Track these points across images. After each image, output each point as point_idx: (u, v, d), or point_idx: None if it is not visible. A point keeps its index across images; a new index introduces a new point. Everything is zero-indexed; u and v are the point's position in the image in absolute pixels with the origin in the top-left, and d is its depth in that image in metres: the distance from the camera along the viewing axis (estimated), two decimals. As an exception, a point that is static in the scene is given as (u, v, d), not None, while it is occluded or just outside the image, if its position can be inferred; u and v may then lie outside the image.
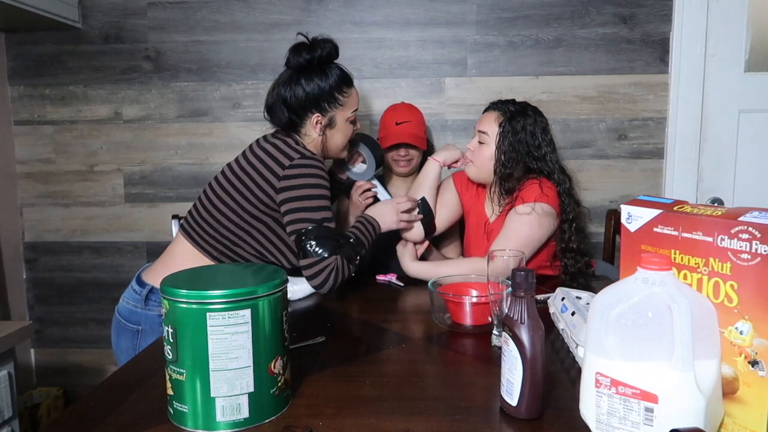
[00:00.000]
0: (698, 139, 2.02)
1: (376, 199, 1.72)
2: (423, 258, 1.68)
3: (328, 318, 1.33)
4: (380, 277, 1.63)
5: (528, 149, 1.54)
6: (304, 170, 1.40)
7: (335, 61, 1.51)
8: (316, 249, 1.35)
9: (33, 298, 2.26)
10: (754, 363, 0.70)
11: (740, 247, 0.70)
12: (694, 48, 1.98)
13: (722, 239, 0.71)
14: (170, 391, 0.82)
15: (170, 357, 0.80)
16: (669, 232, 0.78)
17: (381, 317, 1.31)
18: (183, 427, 0.81)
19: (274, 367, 0.83)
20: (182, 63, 2.12)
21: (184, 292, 0.78)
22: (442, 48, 2.07)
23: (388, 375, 1.00)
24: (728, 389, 0.73)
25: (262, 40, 2.10)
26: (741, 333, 0.71)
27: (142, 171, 2.18)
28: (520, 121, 1.54)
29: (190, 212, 1.52)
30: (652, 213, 0.80)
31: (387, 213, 1.54)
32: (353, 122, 1.56)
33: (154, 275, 1.45)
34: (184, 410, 0.80)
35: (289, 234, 1.40)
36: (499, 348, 0.91)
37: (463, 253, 1.83)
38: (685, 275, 0.77)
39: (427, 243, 1.70)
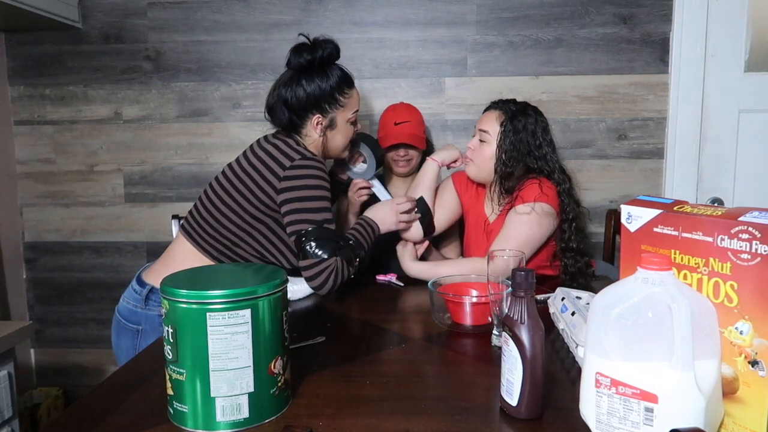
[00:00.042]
0: (698, 139, 2.02)
1: (373, 197, 1.72)
2: (423, 258, 1.68)
3: (328, 318, 1.33)
4: (380, 277, 1.63)
5: (529, 148, 1.54)
6: (305, 171, 1.40)
7: (336, 62, 1.51)
8: (316, 250, 1.35)
9: (33, 298, 2.26)
10: (754, 363, 0.70)
11: (740, 247, 0.70)
12: (694, 48, 1.98)
13: (722, 239, 0.71)
14: (170, 391, 0.82)
15: (170, 357, 0.80)
16: (669, 232, 0.78)
17: (381, 317, 1.31)
18: (183, 427, 0.81)
19: (274, 367, 0.83)
20: (182, 63, 2.12)
21: (184, 292, 0.78)
22: (442, 48, 2.07)
23: (388, 375, 1.00)
24: (728, 389, 0.73)
25: (262, 40, 2.10)
26: (741, 333, 0.71)
27: (142, 171, 2.18)
28: (521, 120, 1.54)
29: (190, 212, 1.52)
30: (652, 213, 0.80)
31: (386, 214, 1.54)
32: (354, 123, 1.56)
33: (155, 275, 1.45)
34: (184, 410, 0.80)
35: (289, 235, 1.40)
36: (499, 348, 0.91)
37: (463, 253, 1.83)
38: (685, 275, 0.77)
39: (427, 243, 1.70)
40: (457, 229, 1.84)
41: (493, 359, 1.05)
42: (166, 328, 0.80)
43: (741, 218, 0.70)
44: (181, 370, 0.79)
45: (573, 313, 1.08)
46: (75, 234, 2.23)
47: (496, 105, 1.62)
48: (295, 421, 0.82)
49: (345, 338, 1.19)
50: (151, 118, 2.16)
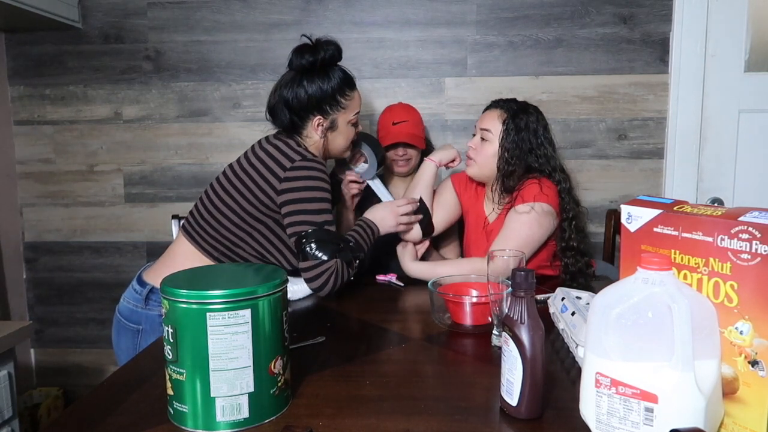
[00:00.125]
0: (698, 139, 2.02)
1: (370, 195, 1.72)
2: (423, 259, 1.68)
3: (328, 318, 1.33)
4: (380, 277, 1.63)
5: (531, 146, 1.54)
6: (305, 172, 1.40)
7: (338, 63, 1.50)
8: (316, 252, 1.36)
9: (33, 298, 2.26)
10: (754, 363, 0.70)
11: (740, 247, 0.70)
12: (694, 48, 1.98)
13: (722, 239, 0.71)
14: (170, 391, 0.82)
15: (170, 357, 0.80)
16: (669, 232, 0.78)
17: (381, 317, 1.31)
18: (183, 427, 0.81)
19: (274, 367, 0.83)
20: (182, 63, 2.12)
21: (184, 292, 0.78)
22: (442, 48, 2.07)
23: (388, 375, 1.00)
24: (728, 389, 0.73)
25: (262, 40, 2.10)
26: (741, 333, 0.71)
27: (142, 171, 2.19)
28: (523, 119, 1.54)
29: (191, 212, 1.52)
30: (652, 213, 0.80)
31: (386, 216, 1.54)
32: (355, 125, 1.56)
33: (155, 275, 1.45)
34: (184, 410, 0.80)
35: (289, 236, 1.40)
36: (499, 348, 0.91)
37: (463, 254, 1.83)
38: (685, 275, 0.77)
39: (427, 243, 1.70)
40: (457, 229, 1.84)
41: (493, 359, 1.05)
42: (166, 328, 0.80)
43: (741, 218, 0.70)
44: (181, 370, 0.79)
45: (573, 313, 1.08)
46: (75, 234, 2.23)
47: (497, 104, 1.62)
48: (295, 421, 0.82)
49: (345, 338, 1.19)
50: (151, 118, 2.16)
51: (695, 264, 0.75)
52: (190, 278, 0.87)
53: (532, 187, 1.51)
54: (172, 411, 0.82)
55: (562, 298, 1.17)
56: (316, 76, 1.46)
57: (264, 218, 1.44)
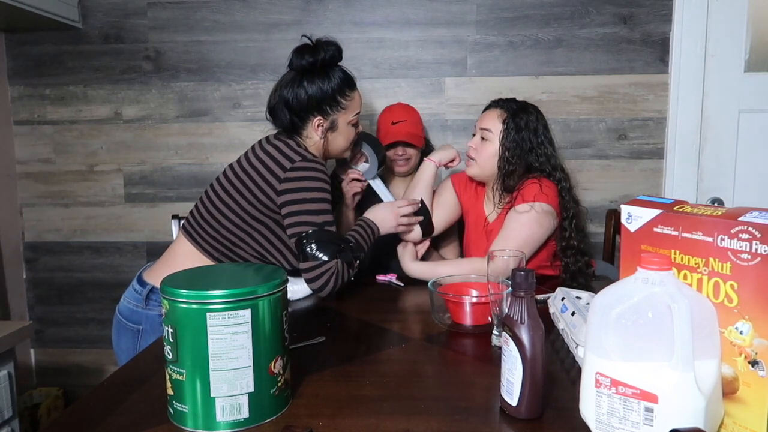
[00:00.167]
0: (698, 139, 2.02)
1: (370, 194, 1.72)
2: (422, 259, 1.68)
3: (328, 318, 1.33)
4: (380, 277, 1.63)
5: (531, 145, 1.54)
6: (306, 173, 1.40)
7: (338, 64, 1.50)
8: (317, 253, 1.36)
9: (33, 298, 2.26)
10: (754, 363, 0.70)
11: (740, 247, 0.70)
12: (694, 48, 1.98)
13: (722, 239, 0.71)
14: (170, 391, 0.82)
15: (170, 357, 0.80)
16: (669, 232, 0.78)
17: (381, 317, 1.31)
18: (183, 427, 0.81)
19: (274, 367, 0.83)
20: (182, 63, 2.12)
21: (184, 292, 0.78)
22: (442, 48, 2.07)
23: (388, 375, 1.00)
24: (728, 389, 0.73)
25: (262, 40, 2.10)
26: (741, 333, 0.71)
27: (142, 171, 2.19)
28: (523, 118, 1.55)
29: (191, 212, 1.52)
30: (652, 213, 0.80)
31: (387, 216, 1.55)
32: (355, 125, 1.56)
33: (156, 275, 1.45)
34: (184, 410, 0.80)
35: (290, 237, 1.41)
36: (499, 348, 0.91)
37: (463, 253, 1.83)
38: (685, 275, 0.77)
39: (428, 243, 1.70)
40: (456, 229, 1.84)
41: (493, 359, 1.05)
42: (166, 328, 0.80)
43: (741, 218, 0.70)
44: (181, 370, 0.79)
45: (573, 313, 1.08)
46: (75, 234, 2.23)
47: (497, 103, 1.62)
48: (295, 421, 0.82)
49: (345, 338, 1.19)
50: (151, 118, 2.16)
51: (695, 264, 0.75)
52: (190, 278, 0.87)
53: (532, 187, 1.51)
54: (172, 411, 0.82)
55: (562, 298, 1.17)
56: (316, 77, 1.45)
57: (264, 219, 1.44)
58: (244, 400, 0.80)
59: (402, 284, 1.58)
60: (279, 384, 0.84)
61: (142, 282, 1.46)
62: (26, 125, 2.19)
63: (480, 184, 1.70)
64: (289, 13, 2.08)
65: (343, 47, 1.50)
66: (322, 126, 1.49)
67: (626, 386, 0.71)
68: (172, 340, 0.79)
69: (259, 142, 1.51)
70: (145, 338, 1.41)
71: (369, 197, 1.75)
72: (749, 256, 0.69)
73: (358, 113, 1.55)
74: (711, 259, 0.73)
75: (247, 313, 0.79)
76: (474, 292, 1.27)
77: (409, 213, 1.59)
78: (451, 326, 1.22)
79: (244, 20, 2.09)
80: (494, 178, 1.59)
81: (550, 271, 1.60)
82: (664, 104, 2.04)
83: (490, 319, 1.15)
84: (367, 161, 1.72)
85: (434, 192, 1.72)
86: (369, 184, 1.74)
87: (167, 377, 0.82)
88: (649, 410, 0.69)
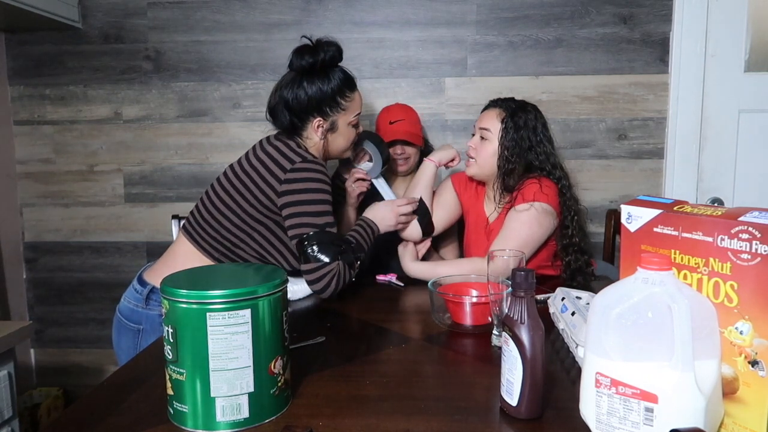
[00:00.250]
0: (698, 139, 2.02)
1: (373, 193, 1.72)
2: (422, 259, 1.68)
3: (328, 318, 1.33)
4: (380, 277, 1.63)
5: (530, 144, 1.55)
6: (306, 174, 1.40)
7: (339, 64, 1.50)
8: (318, 254, 1.36)
9: (33, 298, 2.26)
10: (754, 363, 0.70)
11: (740, 247, 0.70)
12: (694, 48, 1.98)
13: (722, 239, 0.71)
14: (170, 391, 0.82)
15: (170, 357, 0.80)
16: (669, 232, 0.78)
17: (381, 317, 1.31)
18: (183, 427, 0.81)
19: (274, 367, 0.83)
20: (182, 63, 2.12)
21: (184, 292, 0.78)
22: (442, 48, 2.07)
23: (388, 375, 1.00)
24: (728, 389, 0.73)
25: (262, 40, 2.10)
26: (741, 333, 0.71)
27: (142, 171, 2.19)
28: (521, 117, 1.55)
29: (191, 213, 1.52)
30: (652, 213, 0.80)
31: (386, 215, 1.55)
32: (356, 126, 1.56)
33: (156, 275, 1.45)
34: (184, 410, 0.80)
35: (290, 238, 1.41)
36: (499, 348, 0.91)
37: (463, 253, 1.83)
38: (685, 275, 0.77)
39: (428, 243, 1.70)
40: (456, 229, 1.84)
41: (493, 359, 1.05)
42: (166, 328, 0.80)
43: (741, 218, 0.70)
44: (181, 370, 0.79)
45: (573, 313, 1.08)
46: (75, 234, 2.23)
47: (496, 103, 1.62)
48: (295, 421, 0.82)
49: (345, 338, 1.19)
50: (151, 118, 2.16)
51: (695, 264, 0.75)
52: (190, 278, 0.87)
53: (532, 187, 1.51)
54: (172, 411, 0.82)
55: (562, 298, 1.17)
56: (316, 78, 1.45)
57: (264, 219, 1.44)
58: (244, 400, 0.80)
59: (402, 284, 1.58)
60: (279, 384, 0.84)
61: (142, 282, 1.46)
62: (26, 125, 2.19)
63: (480, 184, 1.70)
64: (289, 13, 2.08)
65: (343, 47, 1.50)
66: (322, 127, 1.49)
67: (626, 386, 0.71)
68: (172, 340, 0.79)
69: (260, 142, 1.51)
70: (146, 338, 1.41)
71: (369, 196, 1.75)
72: (749, 256, 0.69)
73: (359, 114, 1.55)
74: (711, 259, 0.73)
75: (247, 313, 0.79)
76: (474, 292, 1.27)
77: (409, 211, 1.59)
78: (451, 326, 1.22)
79: (244, 20, 2.09)
80: (494, 178, 1.59)
81: (551, 271, 1.60)
82: (664, 104, 2.05)
83: (490, 319, 1.15)
84: (370, 160, 1.72)
85: (434, 192, 1.72)
86: (371, 184, 1.74)
87: (167, 377, 0.82)
88: (649, 410, 0.69)
